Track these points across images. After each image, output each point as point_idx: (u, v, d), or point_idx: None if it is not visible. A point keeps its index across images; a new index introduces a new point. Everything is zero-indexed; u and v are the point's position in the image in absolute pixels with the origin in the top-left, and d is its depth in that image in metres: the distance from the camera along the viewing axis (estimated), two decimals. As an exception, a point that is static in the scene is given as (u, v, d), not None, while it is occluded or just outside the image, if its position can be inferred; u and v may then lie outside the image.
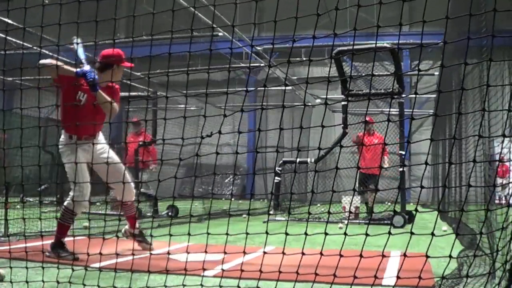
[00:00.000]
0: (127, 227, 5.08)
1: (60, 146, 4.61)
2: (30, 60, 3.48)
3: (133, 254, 3.30)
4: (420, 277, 2.48)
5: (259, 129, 2.90)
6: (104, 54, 4.73)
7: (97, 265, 3.43)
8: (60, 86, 4.54)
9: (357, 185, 9.82)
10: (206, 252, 2.99)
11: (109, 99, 4.42)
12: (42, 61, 4.26)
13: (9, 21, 6.62)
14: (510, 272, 2.41)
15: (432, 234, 2.43)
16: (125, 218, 5.03)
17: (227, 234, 2.93)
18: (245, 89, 2.94)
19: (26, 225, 5.15)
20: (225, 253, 2.88)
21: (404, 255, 2.53)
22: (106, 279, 3.13)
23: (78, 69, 4.32)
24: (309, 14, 2.63)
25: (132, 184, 4.99)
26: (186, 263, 3.00)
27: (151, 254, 3.84)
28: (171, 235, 3.22)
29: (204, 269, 3.34)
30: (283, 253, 2.71)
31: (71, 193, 4.48)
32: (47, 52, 8.24)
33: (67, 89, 4.52)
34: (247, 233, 2.91)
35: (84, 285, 2.92)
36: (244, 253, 2.89)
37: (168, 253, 3.30)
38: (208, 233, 2.97)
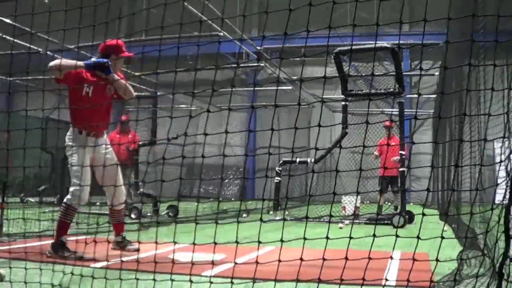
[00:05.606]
0: (114, 238, 4.90)
1: (66, 140, 4.62)
2: (31, 61, 3.47)
3: (140, 250, 3.29)
4: (419, 265, 2.48)
5: (272, 128, 2.88)
6: (103, 44, 4.76)
7: (100, 264, 3.43)
8: (67, 85, 4.58)
9: (378, 187, 10.33)
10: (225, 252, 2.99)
11: (122, 80, 4.65)
12: (50, 64, 4.32)
13: (15, 24, 6.62)
14: (499, 272, 2.40)
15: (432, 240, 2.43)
16: (112, 225, 4.87)
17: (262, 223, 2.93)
18: (274, 82, 2.94)
19: (27, 225, 5.15)
20: (239, 240, 2.89)
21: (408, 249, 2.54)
22: (108, 280, 3.12)
23: (86, 61, 4.48)
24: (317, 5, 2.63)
25: (123, 189, 4.97)
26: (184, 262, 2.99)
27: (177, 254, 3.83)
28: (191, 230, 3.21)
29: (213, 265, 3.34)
30: (303, 239, 2.73)
31: (71, 188, 4.48)
32: (50, 53, 8.24)
33: (73, 85, 4.56)
34: (262, 221, 2.94)
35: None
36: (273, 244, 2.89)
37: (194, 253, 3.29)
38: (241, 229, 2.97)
